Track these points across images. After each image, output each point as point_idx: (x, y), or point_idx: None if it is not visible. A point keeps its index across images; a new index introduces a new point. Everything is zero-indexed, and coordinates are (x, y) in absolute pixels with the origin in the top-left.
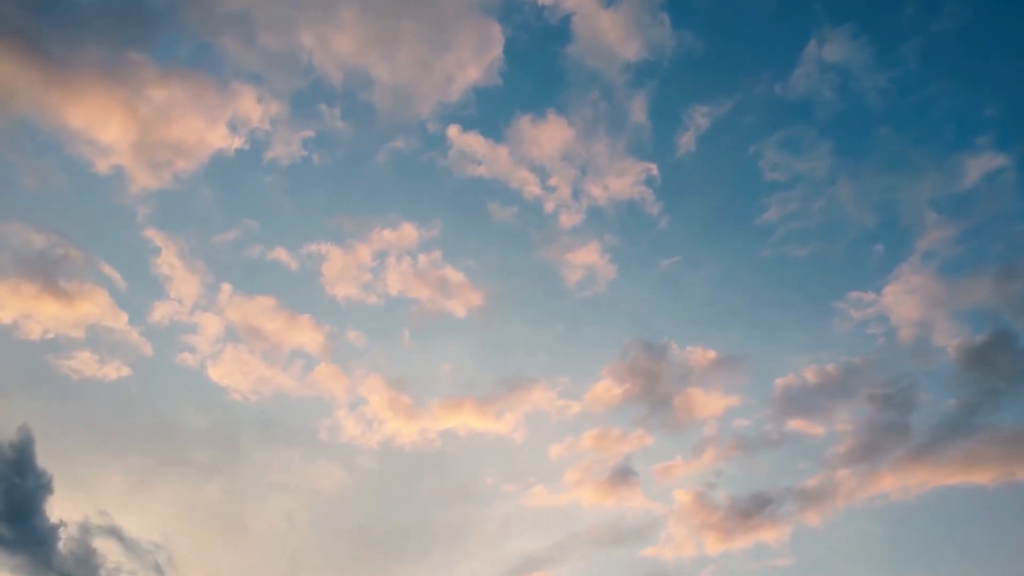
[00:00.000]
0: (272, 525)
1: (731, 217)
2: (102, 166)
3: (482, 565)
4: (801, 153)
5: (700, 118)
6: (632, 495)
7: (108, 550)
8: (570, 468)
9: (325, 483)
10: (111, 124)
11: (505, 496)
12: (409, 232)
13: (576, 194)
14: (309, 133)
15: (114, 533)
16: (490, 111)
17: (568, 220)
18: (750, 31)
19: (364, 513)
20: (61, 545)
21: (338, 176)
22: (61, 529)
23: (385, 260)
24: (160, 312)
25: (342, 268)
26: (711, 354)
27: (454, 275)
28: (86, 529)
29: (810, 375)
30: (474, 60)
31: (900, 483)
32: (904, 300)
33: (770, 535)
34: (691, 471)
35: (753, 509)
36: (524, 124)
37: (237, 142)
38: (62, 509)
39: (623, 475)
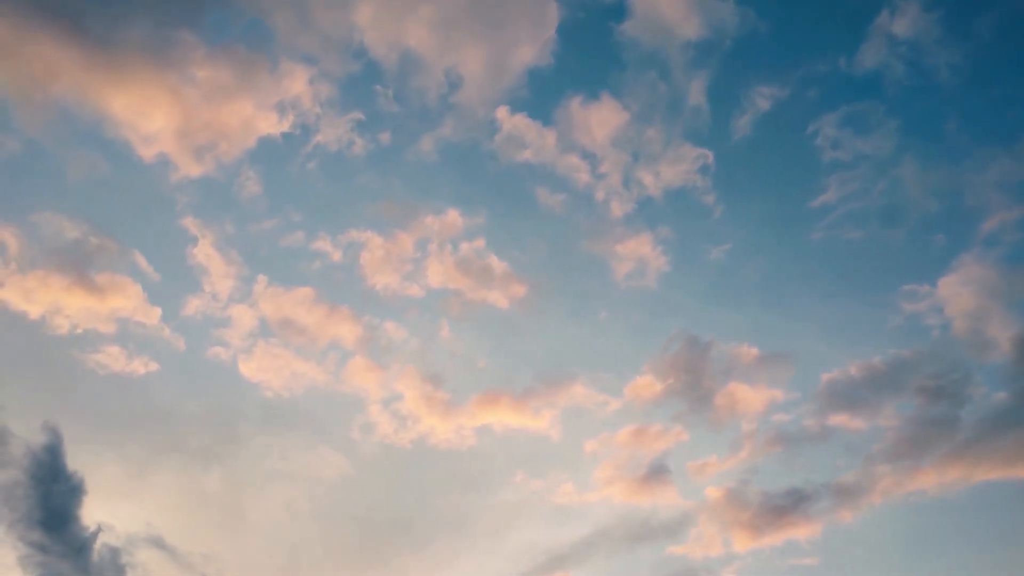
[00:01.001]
0: (304, 521)
1: (786, 201)
2: (144, 153)
3: (506, 561)
4: (865, 132)
5: (760, 100)
6: (664, 492)
7: (149, 559)
8: (603, 465)
9: (356, 480)
10: (155, 108)
11: (533, 493)
12: (454, 219)
13: (627, 182)
14: (359, 116)
15: (156, 543)
16: (540, 93)
17: (618, 209)
18: (817, 4)
19: (382, 506)
20: (97, 552)
21: (383, 161)
22: (98, 535)
23: (427, 248)
24: (192, 306)
25: (383, 257)
26: (756, 351)
27: (498, 265)
28: (129, 539)
29: (857, 369)
30: (527, 39)
31: (941, 479)
32: (961, 291)
33: (802, 532)
34: (726, 468)
35: (787, 506)
36: (575, 107)
37: (284, 126)
38: (93, 511)
39: (656, 472)
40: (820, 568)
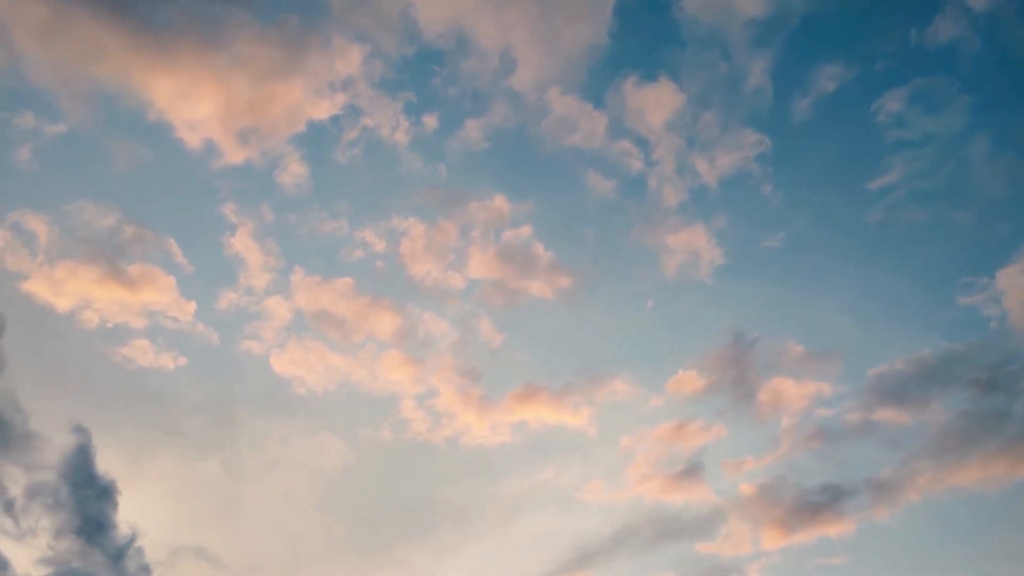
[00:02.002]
0: (335, 513)
1: (843, 183)
2: (187, 138)
3: (531, 556)
4: (935, 109)
5: (824, 80)
6: (697, 489)
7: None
8: (638, 461)
9: (387, 474)
10: (200, 92)
11: (562, 489)
12: (500, 205)
13: (681, 169)
14: (410, 98)
15: (200, 553)
16: (593, 74)
17: (671, 198)
18: None
19: (418, 501)
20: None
21: (429, 146)
22: (135, 540)
23: (471, 236)
24: (226, 299)
25: (424, 246)
26: (802, 348)
27: (543, 255)
28: (167, 547)
29: (907, 363)
30: (583, 18)
31: (984, 474)
32: (1020, 283)
33: (835, 530)
34: (762, 464)
35: (821, 503)
36: (628, 88)
37: (333, 108)
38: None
39: (690, 469)
40: (851, 566)
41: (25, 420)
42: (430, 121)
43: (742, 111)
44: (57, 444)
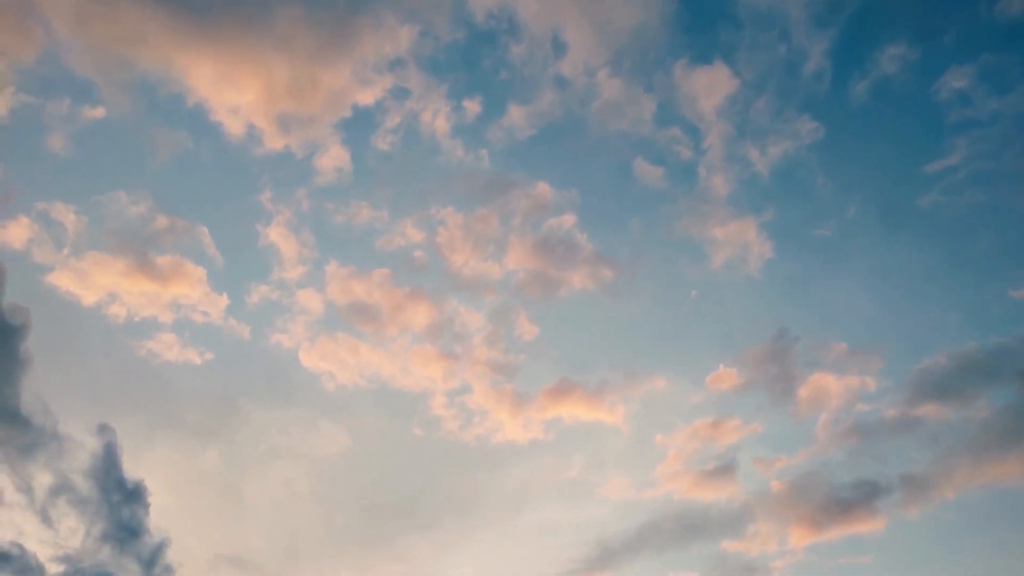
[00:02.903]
0: (363, 505)
1: (900, 168)
2: (229, 125)
3: (555, 553)
4: (1003, 88)
5: (886, 62)
6: (728, 486)
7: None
8: (669, 458)
9: (412, 472)
10: (242, 77)
11: (588, 485)
12: (542, 193)
13: (731, 157)
14: (458, 82)
15: (236, 562)
16: (643, 58)
17: (720, 188)
18: None
19: (428, 495)
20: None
21: (473, 132)
22: (167, 546)
23: (510, 225)
24: (258, 291)
25: (463, 237)
26: (847, 343)
27: (585, 245)
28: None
29: (952, 357)
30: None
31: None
32: None
33: (864, 527)
34: (797, 462)
35: (852, 500)
36: (679, 73)
37: (378, 92)
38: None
39: (722, 466)
40: (880, 564)
41: (51, 420)
42: (473, 106)
43: (798, 96)
44: (81, 441)
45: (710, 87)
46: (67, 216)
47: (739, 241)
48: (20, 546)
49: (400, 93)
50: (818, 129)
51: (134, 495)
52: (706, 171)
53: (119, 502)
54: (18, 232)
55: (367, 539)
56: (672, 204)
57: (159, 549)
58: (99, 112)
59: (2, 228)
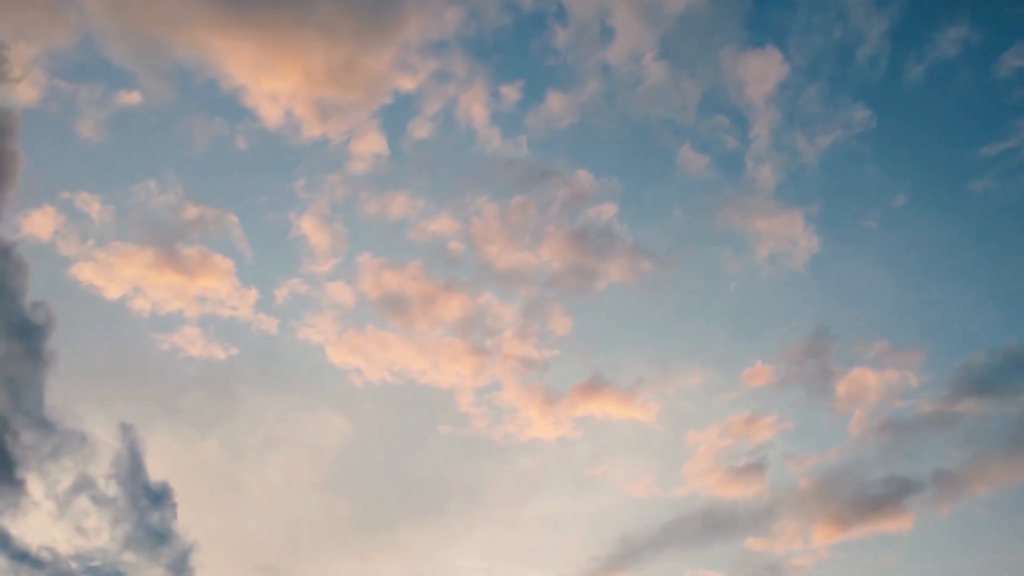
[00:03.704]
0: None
1: (953, 151)
2: (266, 112)
3: (576, 550)
4: None
5: (946, 44)
6: (756, 484)
7: None
8: (699, 455)
9: (436, 471)
10: (282, 61)
11: (613, 483)
12: (582, 182)
13: (778, 146)
14: (503, 67)
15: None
16: (691, 41)
17: (767, 178)
18: None
19: (450, 491)
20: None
21: (514, 119)
22: (195, 549)
23: (547, 215)
24: (289, 283)
25: (498, 227)
26: (889, 339)
27: (625, 236)
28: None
29: (1000, 352)
30: None
31: None
32: None
33: (893, 525)
34: (829, 459)
35: (883, 497)
36: (726, 57)
37: (419, 79)
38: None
39: (752, 463)
40: (906, 563)
41: (75, 421)
42: (514, 93)
43: (852, 82)
44: (103, 441)
45: (760, 73)
46: (93, 206)
47: (784, 234)
48: (51, 550)
49: (442, 78)
50: (871, 118)
51: (160, 497)
52: (752, 161)
53: (144, 505)
54: (43, 222)
55: (399, 532)
56: (716, 194)
57: (186, 553)
58: (133, 99)
59: (26, 218)
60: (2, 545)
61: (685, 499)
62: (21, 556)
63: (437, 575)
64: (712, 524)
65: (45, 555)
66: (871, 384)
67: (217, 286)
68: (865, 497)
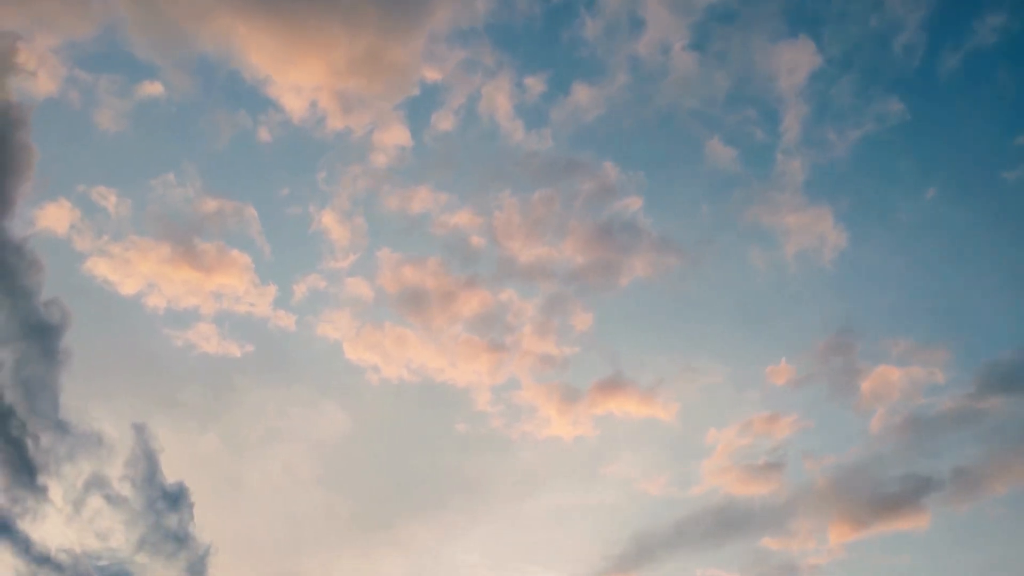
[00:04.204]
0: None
1: (987, 143)
2: (289, 105)
3: (591, 548)
4: None
5: (985, 31)
6: (773, 483)
7: None
8: (717, 454)
9: (451, 468)
10: (306, 52)
11: (627, 481)
12: (608, 174)
13: (808, 140)
14: (530, 58)
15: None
16: (722, 30)
17: (795, 173)
18: None
19: (470, 490)
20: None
21: (537, 111)
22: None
23: (572, 208)
24: (305, 279)
25: (520, 221)
26: (915, 336)
27: (651, 230)
28: None
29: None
30: None
31: None
32: None
33: (910, 524)
34: (849, 457)
35: (901, 495)
36: (758, 47)
37: (444, 70)
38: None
39: (770, 462)
40: (922, 562)
41: (89, 422)
42: (539, 84)
43: (886, 74)
44: (117, 441)
45: (792, 64)
46: (110, 199)
47: (813, 230)
48: (71, 552)
49: (468, 68)
50: (904, 112)
51: (176, 498)
52: (782, 154)
53: (161, 507)
54: (59, 216)
55: (410, 528)
56: (744, 189)
57: (204, 556)
58: (154, 90)
59: (42, 212)
60: (24, 550)
61: (701, 498)
62: (41, 560)
63: (455, 572)
64: (727, 523)
65: (63, 558)
66: (895, 381)
67: (234, 282)
68: (884, 495)
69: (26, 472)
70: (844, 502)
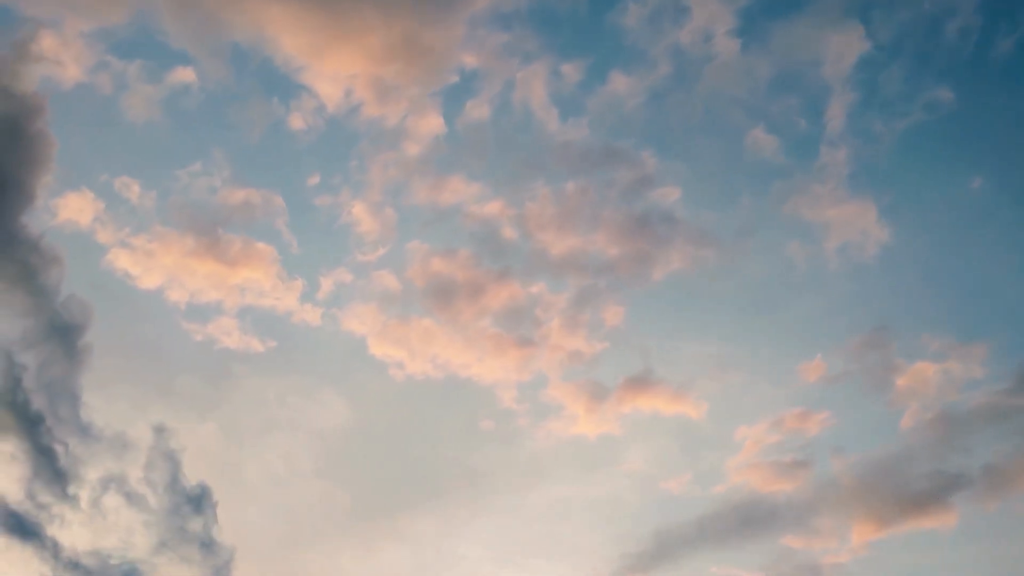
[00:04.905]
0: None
1: None
2: (324, 92)
3: (600, 550)
4: None
5: None
6: (799, 481)
7: None
8: (743, 452)
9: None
10: (342, 39)
11: (648, 479)
12: (646, 164)
13: (853, 130)
14: (560, 48)
15: None
16: (766, 15)
17: (839, 165)
18: None
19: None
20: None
21: (574, 99)
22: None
23: (607, 199)
24: (332, 273)
25: (552, 213)
26: (955, 334)
27: (687, 222)
28: None
29: None
30: None
31: None
32: None
33: (935, 522)
34: (879, 454)
35: (929, 493)
36: (803, 34)
37: (480, 58)
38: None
39: (797, 460)
40: (950, 559)
41: (110, 423)
42: (574, 72)
43: (937, 60)
44: (139, 441)
45: (838, 50)
46: (133, 190)
47: (856, 224)
48: (98, 555)
49: (506, 55)
50: (954, 101)
51: (198, 500)
52: (826, 145)
53: (182, 510)
54: (82, 207)
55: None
56: (786, 180)
57: (228, 560)
58: (186, 77)
59: (64, 203)
60: (53, 555)
61: (723, 495)
62: (71, 565)
63: (477, 569)
64: (749, 521)
65: (91, 563)
66: (931, 378)
67: (259, 276)
68: (913, 492)
69: (53, 477)
70: (870, 499)
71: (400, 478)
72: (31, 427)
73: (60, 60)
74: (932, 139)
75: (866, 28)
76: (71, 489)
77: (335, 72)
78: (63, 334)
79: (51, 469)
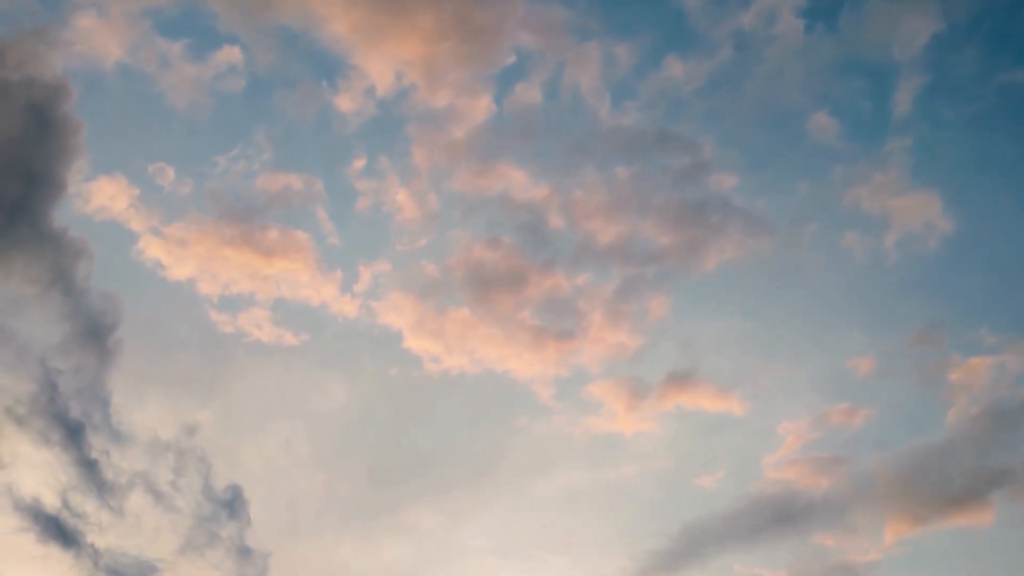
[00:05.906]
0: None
1: None
2: (375, 77)
3: (627, 542)
4: None
5: None
6: (836, 478)
7: None
8: (782, 449)
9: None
10: (394, 21)
11: (679, 476)
12: (703, 148)
13: (920, 115)
14: (618, 29)
15: None
16: None
17: (903, 152)
18: None
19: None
20: None
21: (624, 82)
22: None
23: (658, 183)
24: (373, 265)
25: (600, 201)
26: (1012, 332)
27: (742, 210)
28: None
29: None
30: None
31: None
32: None
33: (972, 520)
34: (921, 450)
35: (971, 491)
36: (873, 11)
37: (535, 37)
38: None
39: (839, 456)
40: (987, 557)
41: (142, 424)
42: (630, 55)
43: (1015, 40)
44: (168, 440)
45: (909, 29)
46: (168, 175)
47: (919, 216)
48: (137, 560)
49: (562, 35)
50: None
51: (231, 503)
52: (891, 131)
53: (214, 512)
54: (114, 193)
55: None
56: (847, 167)
57: (263, 569)
58: (232, 57)
59: (96, 186)
60: (93, 563)
61: (758, 492)
62: (111, 571)
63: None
64: (783, 518)
65: (130, 569)
66: (984, 372)
67: (296, 266)
68: (952, 489)
69: (91, 483)
70: (907, 496)
71: (434, 472)
72: (71, 435)
73: (100, 42)
74: (1005, 125)
75: (941, 5)
76: (105, 494)
77: (385, 53)
78: (96, 334)
79: (89, 475)
